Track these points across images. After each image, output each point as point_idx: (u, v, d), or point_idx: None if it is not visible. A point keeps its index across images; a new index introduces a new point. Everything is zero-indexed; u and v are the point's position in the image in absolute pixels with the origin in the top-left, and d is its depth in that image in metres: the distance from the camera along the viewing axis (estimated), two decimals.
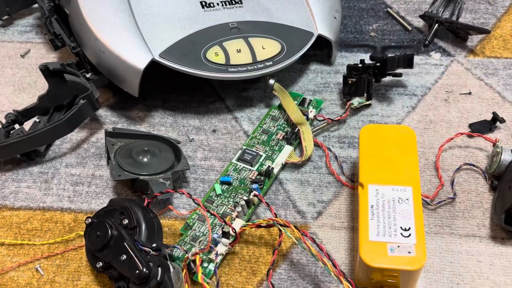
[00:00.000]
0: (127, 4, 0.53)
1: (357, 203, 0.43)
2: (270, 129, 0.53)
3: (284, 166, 0.51)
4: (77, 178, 0.51)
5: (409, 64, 0.55)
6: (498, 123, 0.52)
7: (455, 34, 0.62)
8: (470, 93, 0.56)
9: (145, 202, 0.45)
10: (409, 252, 0.38)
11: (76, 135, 0.55)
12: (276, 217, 0.42)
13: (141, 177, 0.46)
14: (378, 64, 0.55)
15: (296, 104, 0.54)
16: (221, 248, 0.43)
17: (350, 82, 0.54)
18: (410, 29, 0.64)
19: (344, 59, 0.61)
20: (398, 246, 0.38)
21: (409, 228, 0.39)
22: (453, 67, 0.59)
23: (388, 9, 0.67)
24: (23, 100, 0.59)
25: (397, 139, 0.45)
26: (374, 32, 0.64)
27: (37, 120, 0.54)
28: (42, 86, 0.60)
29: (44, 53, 0.65)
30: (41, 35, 0.67)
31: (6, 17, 0.68)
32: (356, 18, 0.67)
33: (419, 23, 0.65)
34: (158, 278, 0.39)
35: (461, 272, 0.42)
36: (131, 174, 0.46)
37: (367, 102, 0.55)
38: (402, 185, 0.42)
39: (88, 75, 0.55)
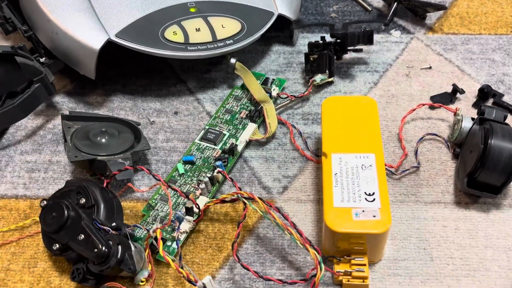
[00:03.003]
0: None
1: (322, 174, 0.43)
2: (233, 109, 0.52)
3: (249, 144, 0.50)
4: (33, 165, 0.49)
5: (369, 40, 0.56)
6: (458, 94, 0.53)
7: (414, 12, 0.63)
8: (430, 68, 0.57)
9: (104, 183, 0.43)
10: (374, 216, 0.37)
11: (31, 122, 0.53)
12: (240, 190, 0.41)
13: (99, 158, 0.44)
14: (338, 40, 0.54)
15: (259, 83, 0.53)
16: (185, 226, 0.41)
17: (311, 59, 0.54)
18: (370, 9, 0.65)
19: (306, 40, 0.61)
20: (363, 211, 0.38)
21: (373, 193, 0.39)
22: (413, 44, 0.60)
23: None
24: None
25: (358, 109, 0.45)
26: (334, 14, 0.64)
27: None
28: None
29: None
30: None
31: None
32: (317, 0, 0.67)
33: (379, 3, 0.66)
34: (119, 256, 0.37)
35: (427, 237, 0.42)
36: (88, 155, 0.44)
37: (330, 79, 0.55)
38: (365, 153, 0.41)
39: (42, 60, 0.53)
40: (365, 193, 0.39)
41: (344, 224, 0.37)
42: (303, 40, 0.61)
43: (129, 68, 0.58)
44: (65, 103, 0.55)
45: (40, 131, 0.52)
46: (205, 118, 0.53)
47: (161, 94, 0.55)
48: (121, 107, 0.54)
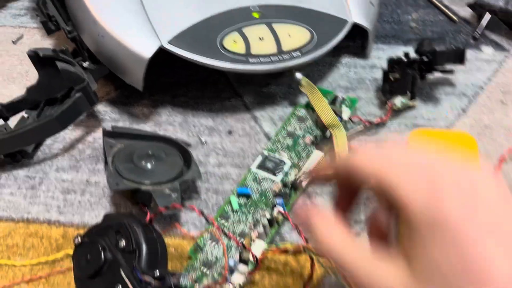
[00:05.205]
0: None
1: None
2: (296, 132, 0.45)
3: None
4: (69, 185, 0.44)
5: (459, 59, 0.47)
6: None
7: (510, 26, 0.54)
8: None
9: (147, 218, 0.37)
10: None
11: (70, 133, 0.47)
12: (307, 242, 0.35)
13: (144, 188, 0.38)
14: (425, 58, 0.46)
15: (327, 103, 0.46)
16: (238, 278, 0.35)
17: (392, 78, 0.46)
18: (456, 19, 0.56)
19: (381, 52, 0.53)
20: None
21: None
22: (509, 64, 0.51)
23: None
24: (12, 92, 0.52)
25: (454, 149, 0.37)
26: (414, 23, 0.56)
27: (25, 115, 0.47)
28: (34, 76, 0.52)
29: (39, 39, 0.58)
30: (35, 19, 0.60)
31: None
32: (392, 6, 0.58)
33: (466, 12, 0.57)
34: None
35: None
36: (131, 183, 0.38)
37: (411, 103, 0.47)
38: None
39: (85, 64, 0.47)
40: None
41: None
42: (378, 52, 0.53)
43: (179, 76, 0.52)
44: (107, 113, 0.49)
45: (78, 144, 0.47)
46: (263, 140, 0.46)
47: (214, 109, 0.49)
48: (169, 121, 0.48)
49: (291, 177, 0.41)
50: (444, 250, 0.21)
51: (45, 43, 0.57)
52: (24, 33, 0.58)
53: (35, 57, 0.44)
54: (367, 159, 0.24)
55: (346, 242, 0.23)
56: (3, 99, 0.51)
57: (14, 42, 0.57)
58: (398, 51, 0.53)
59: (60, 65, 0.43)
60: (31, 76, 0.53)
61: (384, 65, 0.50)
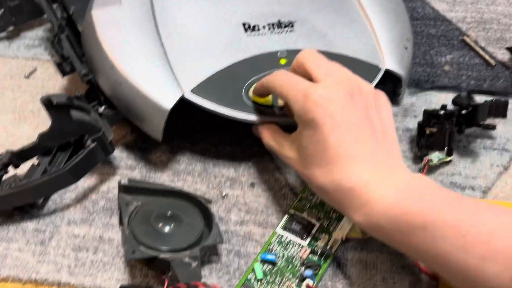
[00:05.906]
0: (153, 25, 0.43)
1: None
2: None
3: (345, 241, 0.40)
4: (81, 241, 0.41)
5: (502, 113, 0.44)
6: None
7: None
8: None
9: (165, 285, 0.34)
10: None
11: (82, 181, 0.45)
12: None
13: (162, 256, 0.35)
14: (464, 111, 0.43)
15: None
16: None
17: (428, 132, 0.43)
18: (494, 63, 0.53)
19: (414, 98, 0.50)
20: None
21: None
22: None
23: (465, 37, 0.55)
24: (23, 133, 0.49)
25: None
26: (448, 66, 0.53)
27: (36, 162, 0.44)
28: (46, 115, 0.50)
29: (53, 73, 0.55)
30: (51, 50, 0.57)
31: (11, 28, 0.58)
32: (425, 46, 0.55)
33: (504, 55, 0.54)
34: None
35: None
36: (148, 251, 0.35)
37: (448, 158, 0.44)
38: None
39: (100, 110, 0.44)
40: None
41: None
42: (410, 98, 0.50)
43: (199, 119, 0.49)
44: (123, 159, 0.46)
45: (92, 194, 0.44)
46: (288, 195, 0.43)
47: (235, 157, 0.46)
48: (188, 170, 0.45)
49: (320, 243, 0.38)
50: (310, 138, 0.35)
51: (59, 78, 0.54)
52: (37, 66, 0.56)
53: (48, 104, 0.41)
54: (275, 80, 0.38)
55: (277, 139, 0.39)
56: (14, 140, 0.48)
57: (27, 77, 0.54)
58: (433, 97, 0.50)
59: (73, 114, 0.41)
60: (44, 114, 0.50)
61: (418, 112, 0.48)
